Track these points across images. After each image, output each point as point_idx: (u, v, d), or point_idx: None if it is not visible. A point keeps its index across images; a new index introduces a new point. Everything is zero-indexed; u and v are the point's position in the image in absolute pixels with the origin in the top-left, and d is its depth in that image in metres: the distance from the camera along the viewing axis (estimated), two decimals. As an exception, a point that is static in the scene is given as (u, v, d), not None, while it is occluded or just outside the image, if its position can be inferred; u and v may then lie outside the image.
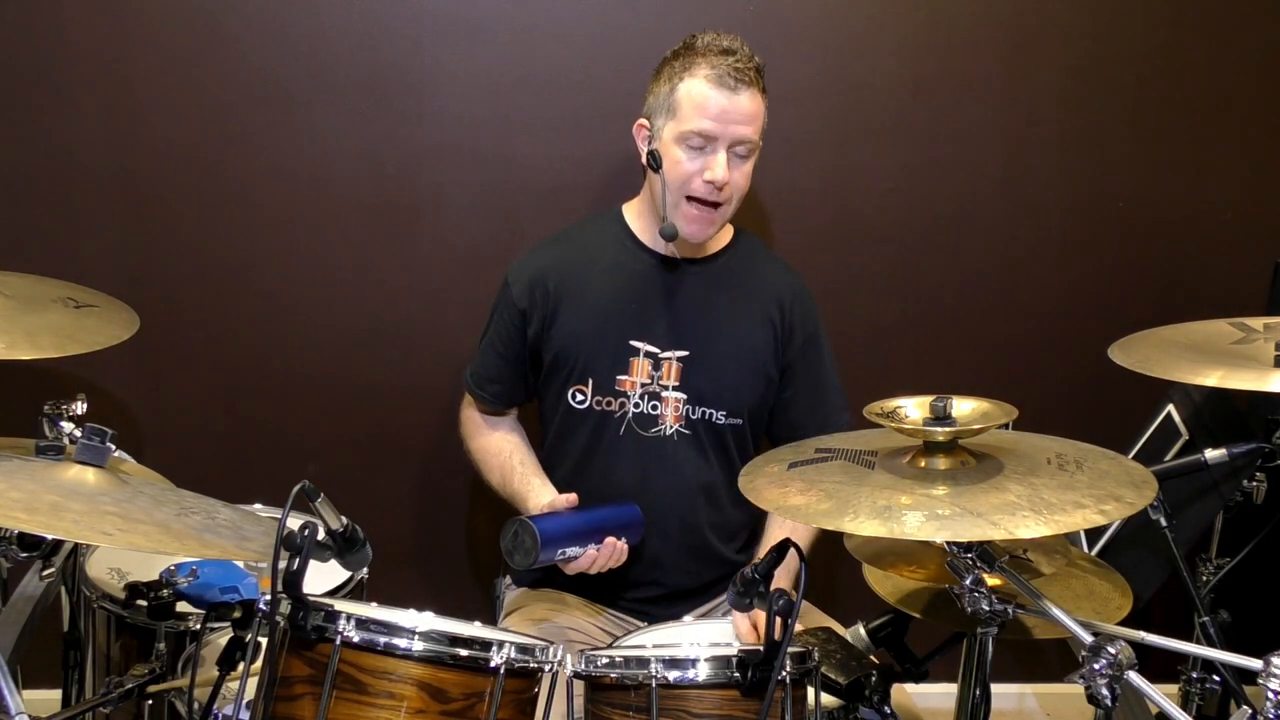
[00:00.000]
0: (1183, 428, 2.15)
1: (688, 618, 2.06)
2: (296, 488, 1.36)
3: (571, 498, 1.93)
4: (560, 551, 1.85)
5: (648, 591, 2.08)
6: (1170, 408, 2.21)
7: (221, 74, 2.38)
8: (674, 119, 1.93)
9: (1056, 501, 1.36)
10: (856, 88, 2.51)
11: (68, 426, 1.77)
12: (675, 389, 2.03)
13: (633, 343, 2.03)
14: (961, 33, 2.50)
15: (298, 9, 2.38)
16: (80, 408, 1.82)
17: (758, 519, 2.11)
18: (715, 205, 1.95)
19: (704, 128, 1.89)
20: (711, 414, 2.04)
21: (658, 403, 2.03)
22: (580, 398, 2.04)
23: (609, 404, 2.03)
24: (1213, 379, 1.71)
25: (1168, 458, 2.11)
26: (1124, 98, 2.57)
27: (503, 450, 2.12)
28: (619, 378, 2.03)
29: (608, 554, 1.89)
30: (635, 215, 2.09)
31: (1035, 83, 2.55)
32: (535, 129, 2.45)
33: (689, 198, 1.94)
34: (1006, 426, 1.50)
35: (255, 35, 2.38)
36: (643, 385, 2.03)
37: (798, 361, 2.10)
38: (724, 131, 1.90)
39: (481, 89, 2.44)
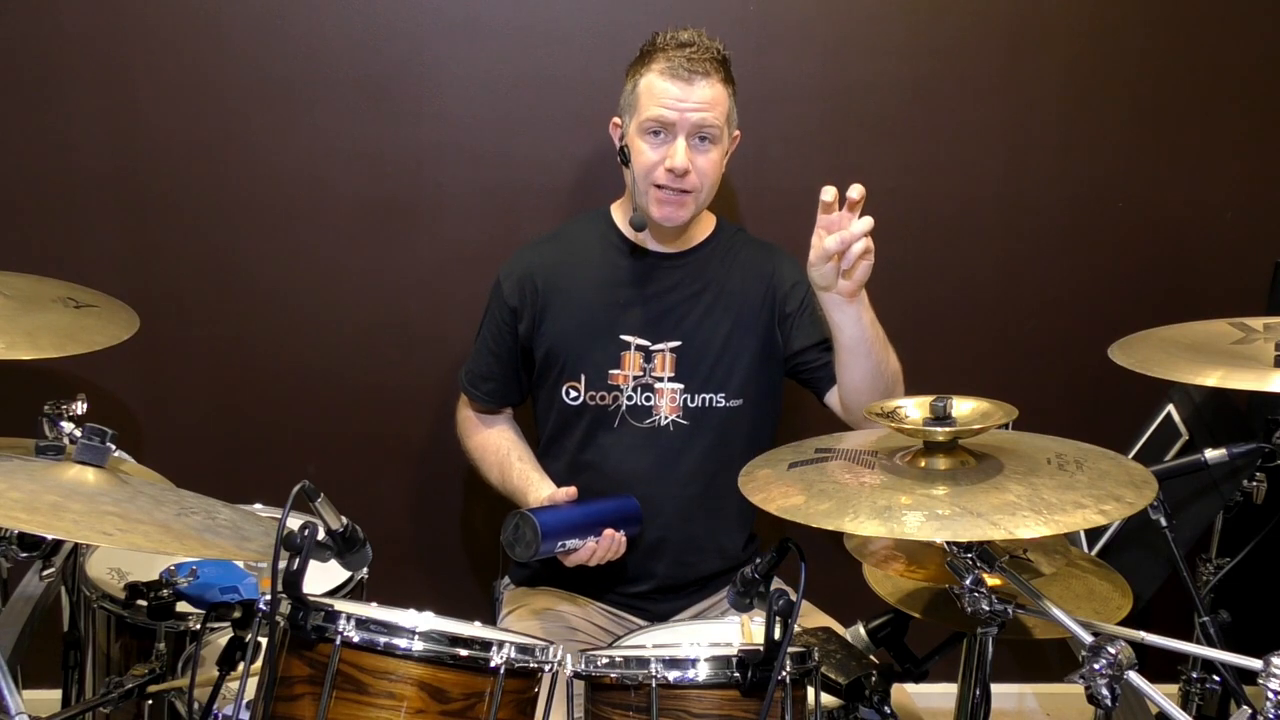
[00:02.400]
0: (1183, 428, 2.14)
1: (686, 617, 2.06)
2: (296, 488, 1.36)
3: (571, 491, 1.96)
4: (560, 544, 1.87)
5: (645, 585, 2.08)
6: (1170, 408, 2.20)
7: (221, 74, 2.39)
8: (636, 113, 1.97)
9: (1056, 501, 1.36)
10: (856, 88, 2.51)
11: (68, 426, 1.77)
12: (671, 380, 2.04)
13: (623, 337, 2.04)
14: (961, 33, 2.50)
15: (298, 9, 2.38)
16: (80, 408, 1.82)
17: (756, 511, 2.11)
18: (684, 191, 1.97)
19: (659, 115, 1.94)
20: (711, 398, 2.05)
21: (651, 394, 2.04)
22: (574, 394, 2.05)
23: (602, 398, 2.05)
24: (1213, 379, 1.71)
25: (1168, 458, 2.11)
26: (1124, 98, 2.57)
27: (500, 447, 2.13)
28: (611, 372, 2.04)
29: (606, 546, 1.91)
30: (620, 213, 2.12)
31: (1035, 83, 2.55)
32: (535, 129, 2.45)
33: (656, 185, 1.97)
34: (1006, 426, 1.50)
35: (255, 35, 2.38)
36: (635, 378, 2.04)
37: (799, 312, 2.08)
38: (680, 119, 1.94)
39: (481, 89, 2.44)
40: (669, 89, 1.93)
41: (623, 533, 1.93)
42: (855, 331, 1.86)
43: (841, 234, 1.75)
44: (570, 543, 1.88)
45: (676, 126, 1.94)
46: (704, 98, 1.93)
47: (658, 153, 1.95)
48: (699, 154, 1.96)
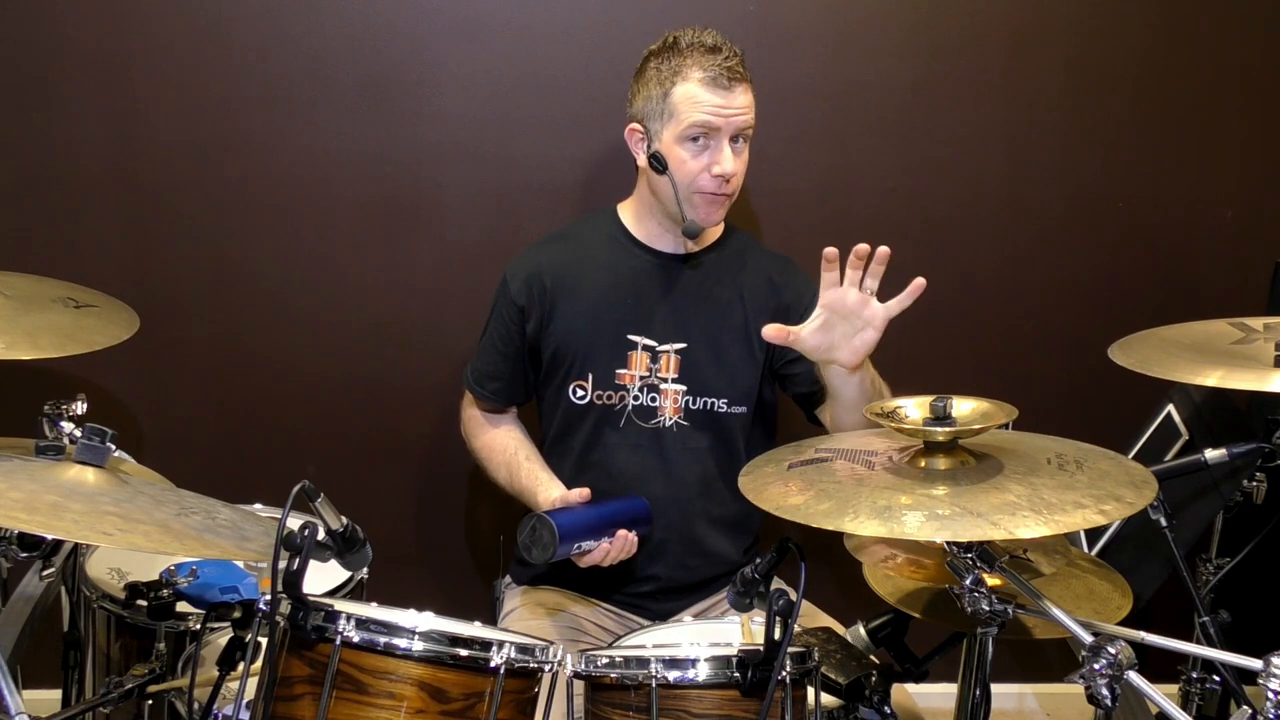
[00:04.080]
0: (1183, 428, 2.14)
1: (687, 617, 2.06)
2: (296, 488, 1.36)
3: (584, 492, 1.94)
4: (576, 546, 1.86)
5: (647, 586, 2.08)
6: (1170, 408, 2.20)
7: (221, 74, 2.39)
8: (673, 121, 1.96)
9: (1056, 501, 1.36)
10: (856, 88, 2.51)
11: (68, 426, 1.77)
12: (674, 381, 2.05)
13: (630, 337, 2.05)
14: (961, 33, 2.50)
15: (298, 9, 2.38)
16: (80, 408, 1.82)
17: (759, 515, 2.11)
18: (725, 194, 2.00)
19: (706, 121, 1.94)
20: (713, 403, 2.06)
21: (656, 394, 2.05)
22: (581, 393, 2.05)
23: (609, 398, 2.05)
24: (1213, 379, 1.71)
25: (1168, 458, 2.10)
26: (1124, 97, 2.57)
27: (507, 446, 2.13)
28: (618, 371, 2.05)
29: (620, 547, 1.91)
30: (630, 214, 2.11)
31: (1035, 82, 2.55)
32: (535, 129, 2.45)
33: (699, 191, 1.98)
34: (1006, 426, 1.50)
35: (255, 35, 2.38)
36: (641, 378, 2.05)
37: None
38: (725, 125, 1.95)
39: (481, 89, 2.44)
40: (712, 98, 1.93)
41: (634, 533, 1.93)
42: (855, 394, 1.87)
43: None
44: (586, 544, 1.88)
45: (722, 132, 1.95)
46: (744, 103, 1.96)
47: (701, 159, 1.96)
48: (737, 156, 1.98)
